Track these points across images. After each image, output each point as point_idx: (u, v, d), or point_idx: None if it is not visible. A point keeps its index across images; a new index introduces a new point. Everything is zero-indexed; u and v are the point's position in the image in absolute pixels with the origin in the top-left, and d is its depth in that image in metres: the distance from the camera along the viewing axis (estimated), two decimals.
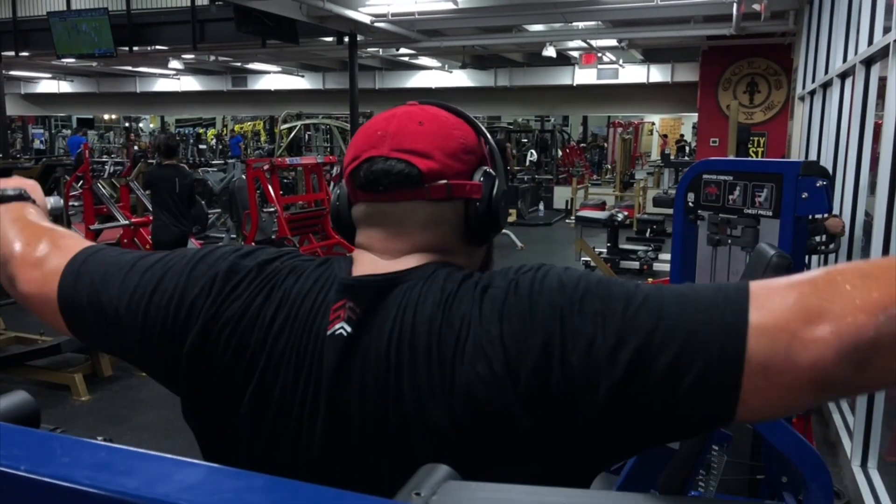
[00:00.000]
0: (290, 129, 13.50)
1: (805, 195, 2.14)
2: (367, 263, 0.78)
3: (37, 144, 20.74)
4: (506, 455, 0.66)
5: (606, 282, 0.69)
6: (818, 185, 2.13)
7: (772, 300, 0.60)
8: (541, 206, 13.05)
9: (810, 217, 2.55)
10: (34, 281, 0.86)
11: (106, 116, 22.87)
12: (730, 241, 2.37)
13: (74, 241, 0.90)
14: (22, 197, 0.96)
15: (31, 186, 1.01)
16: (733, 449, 1.99)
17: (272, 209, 6.59)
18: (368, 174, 0.76)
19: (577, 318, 0.65)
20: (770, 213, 2.21)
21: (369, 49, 11.30)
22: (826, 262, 4.53)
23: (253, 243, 6.70)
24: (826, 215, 3.34)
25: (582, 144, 18.33)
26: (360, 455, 0.71)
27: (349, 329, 0.72)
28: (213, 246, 0.83)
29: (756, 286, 0.61)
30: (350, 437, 0.71)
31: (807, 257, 3.61)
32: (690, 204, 2.48)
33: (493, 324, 0.67)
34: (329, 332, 0.73)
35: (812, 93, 5.80)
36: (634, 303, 0.65)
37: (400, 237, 0.78)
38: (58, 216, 1.06)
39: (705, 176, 2.43)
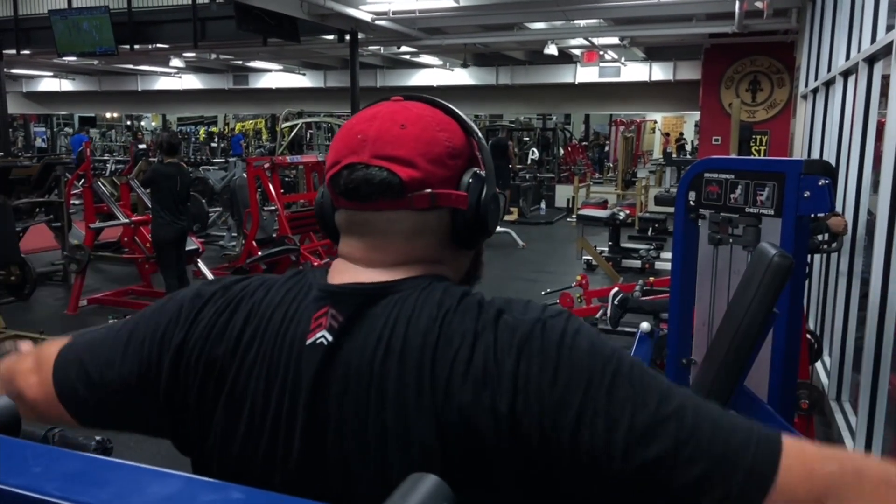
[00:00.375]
0: (291, 128, 13.48)
1: (807, 194, 2.11)
2: (347, 272, 0.75)
3: (39, 143, 20.75)
4: (484, 485, 0.65)
5: (640, 368, 0.66)
6: (820, 183, 2.11)
7: (799, 467, 0.60)
8: (542, 205, 13.03)
9: (812, 216, 2.53)
10: (34, 385, 0.83)
11: (108, 115, 22.86)
12: (731, 240, 2.35)
13: (58, 342, 0.87)
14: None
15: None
16: None
17: (273, 208, 6.57)
18: (348, 182, 0.73)
19: (603, 394, 0.63)
20: (772, 212, 2.19)
21: (370, 47, 11.27)
22: (828, 262, 4.52)
23: (254, 242, 6.69)
24: (828, 214, 3.32)
25: (584, 143, 18.29)
26: (338, 469, 0.69)
27: (330, 338, 0.70)
28: (181, 291, 0.84)
29: (789, 444, 0.62)
30: (328, 449, 0.69)
31: (809, 256, 3.59)
32: (692, 203, 2.46)
33: (509, 357, 0.64)
34: (309, 342, 0.70)
35: (815, 91, 5.77)
36: (668, 406, 0.62)
37: (383, 248, 0.75)
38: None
39: (706, 174, 2.40)
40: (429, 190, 0.73)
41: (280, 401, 0.70)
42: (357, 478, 0.68)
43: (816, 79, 5.73)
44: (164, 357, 0.75)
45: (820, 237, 3.56)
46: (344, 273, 0.75)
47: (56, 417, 0.83)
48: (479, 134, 0.81)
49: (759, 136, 9.97)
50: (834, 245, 3.65)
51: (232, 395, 0.71)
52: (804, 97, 6.71)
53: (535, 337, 0.65)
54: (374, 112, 0.76)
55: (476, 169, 0.77)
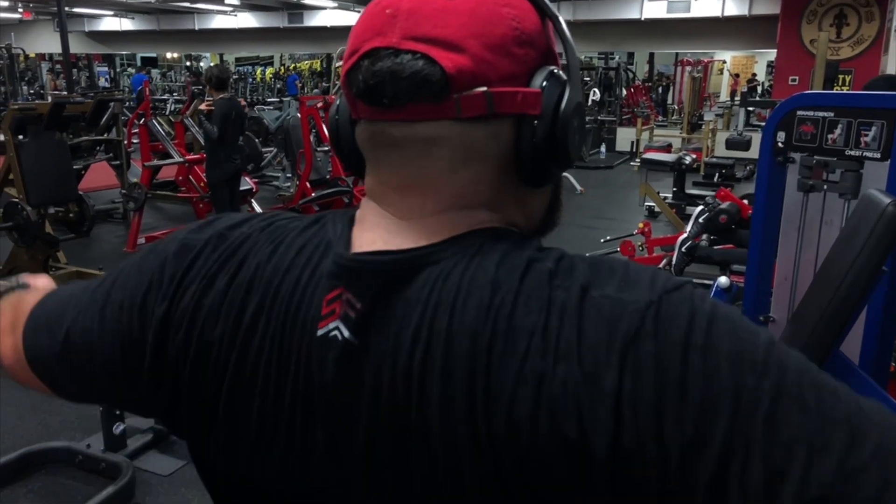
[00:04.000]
0: None
1: None
2: (375, 227, 0.54)
3: (102, 83, 21.13)
4: None
5: (813, 379, 0.44)
6: None
7: None
8: (602, 149, 12.57)
9: None
10: (9, 349, 0.69)
11: (168, 55, 23.08)
12: (825, 186, 2.09)
13: (34, 295, 0.71)
14: (21, 286, 0.78)
15: (45, 284, 0.83)
16: None
17: (326, 148, 6.47)
18: (369, 77, 0.50)
19: (759, 426, 0.41)
20: (878, 156, 1.92)
21: None
22: None
23: (307, 183, 6.63)
24: None
25: (647, 83, 17.52)
26: (371, 492, 0.52)
27: (346, 333, 0.50)
28: (167, 237, 0.65)
29: None
30: (354, 480, 0.52)
31: None
32: (780, 144, 2.20)
33: (607, 369, 0.43)
34: (320, 332, 0.51)
35: None
36: (862, 448, 0.40)
37: (418, 187, 0.53)
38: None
39: (800, 112, 2.13)
40: (484, 88, 0.50)
41: (294, 405, 0.53)
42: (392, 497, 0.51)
43: None
44: (146, 332, 0.58)
45: None
46: (370, 229, 0.54)
47: (35, 387, 0.69)
48: (561, 20, 0.56)
49: (842, 76, 9.28)
50: None
51: (234, 393, 0.55)
52: None
53: (647, 335, 0.43)
54: None
55: (553, 67, 0.54)
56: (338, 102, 0.59)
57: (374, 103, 0.51)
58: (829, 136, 2.05)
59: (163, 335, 0.57)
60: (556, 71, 0.54)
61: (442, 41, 0.49)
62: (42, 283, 0.80)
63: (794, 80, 9.82)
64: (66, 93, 10.70)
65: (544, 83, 0.52)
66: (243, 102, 6.68)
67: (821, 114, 2.08)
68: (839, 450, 0.40)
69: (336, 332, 0.51)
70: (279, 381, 0.53)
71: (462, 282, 0.48)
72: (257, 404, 0.54)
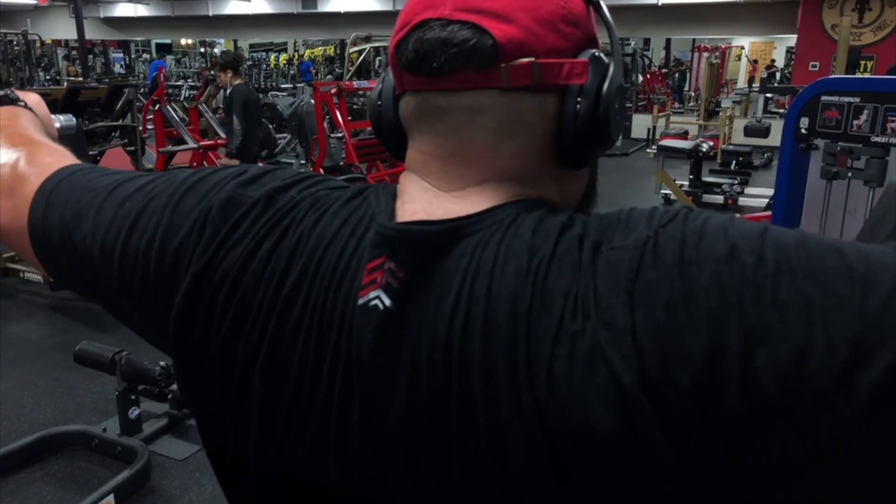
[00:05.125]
0: (358, 53, 13.23)
1: None
2: (417, 199, 0.54)
3: (117, 69, 21.22)
4: (618, 488, 0.45)
5: (807, 243, 0.43)
6: None
7: None
8: None
9: None
10: (6, 210, 0.67)
11: (182, 41, 23.11)
12: (850, 174, 2.05)
13: (54, 159, 0.69)
14: (10, 99, 0.78)
15: (35, 100, 0.83)
16: None
17: (340, 135, 6.45)
18: (419, 45, 0.51)
19: (769, 309, 0.41)
20: None
21: None
22: None
23: (321, 169, 6.61)
24: None
25: (664, 70, 17.32)
26: (408, 480, 0.50)
27: (388, 302, 0.50)
28: (209, 169, 0.62)
29: None
30: (394, 453, 0.50)
31: None
32: (803, 130, 2.15)
33: (619, 310, 0.43)
34: (361, 301, 0.51)
35: None
36: (878, 284, 0.40)
37: (461, 156, 0.53)
38: (68, 137, 0.88)
39: (824, 98, 2.09)
40: (531, 58, 0.51)
41: (331, 378, 0.52)
42: (436, 499, 0.50)
43: None
44: (180, 280, 0.56)
45: None
46: (411, 201, 0.54)
47: (26, 258, 0.68)
48: (604, 6, 0.57)
49: (863, 62, 9.11)
50: None
51: (272, 360, 0.53)
52: None
53: (647, 267, 0.44)
54: None
55: (596, 51, 0.54)
56: (380, 87, 0.60)
57: (421, 72, 0.52)
58: (855, 121, 2.01)
59: (197, 289, 0.55)
60: (598, 54, 0.54)
61: (492, 12, 0.51)
62: (33, 100, 0.81)
63: (814, 66, 9.67)
64: (81, 79, 10.74)
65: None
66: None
67: (846, 99, 2.03)
68: (855, 301, 0.40)
69: (377, 302, 0.50)
70: (318, 352, 0.52)
71: (499, 251, 0.48)
72: (294, 374, 0.53)
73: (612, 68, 0.54)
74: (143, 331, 0.64)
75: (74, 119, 0.93)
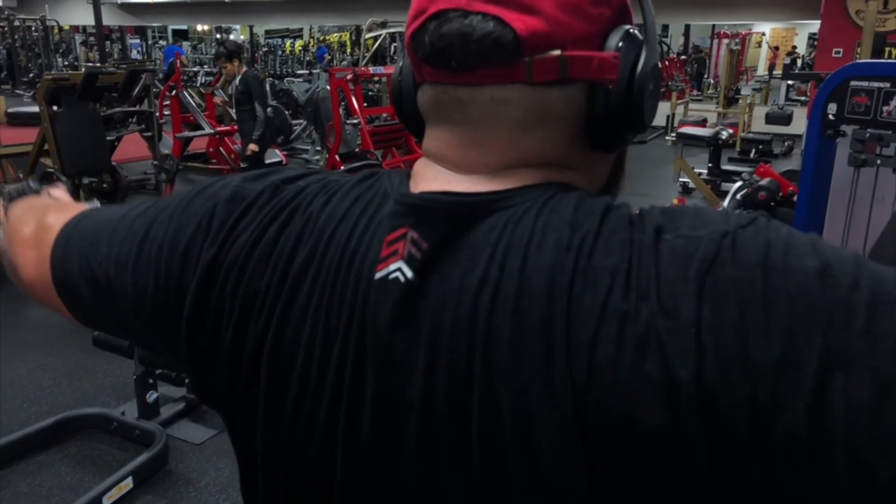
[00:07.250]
0: (374, 39, 13.17)
1: None
2: (434, 179, 0.51)
3: (134, 55, 21.29)
4: (642, 483, 0.42)
5: None
6: None
7: None
8: None
9: None
10: (31, 264, 0.68)
11: (199, 27, 23.13)
12: (878, 161, 2.00)
13: (73, 208, 0.70)
14: (32, 189, 0.79)
15: (61, 194, 0.83)
16: None
17: (356, 121, 6.43)
18: (436, 39, 0.48)
19: (860, 337, 0.38)
20: None
21: None
22: None
23: (336, 156, 6.60)
24: None
25: (682, 57, 17.10)
26: (425, 470, 0.48)
27: (409, 273, 0.47)
28: (215, 178, 0.63)
29: None
30: (408, 440, 0.47)
31: None
32: (831, 117, 2.10)
33: (686, 298, 0.40)
34: (379, 274, 0.48)
35: None
36: None
37: (484, 144, 0.50)
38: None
39: (853, 83, 2.04)
40: (557, 51, 0.47)
41: (342, 360, 0.49)
42: (452, 487, 0.47)
43: None
44: (188, 277, 0.55)
45: None
46: (430, 180, 0.51)
47: (50, 304, 0.68)
48: None
49: (888, 48, 8.94)
50: None
51: (278, 345, 0.51)
52: None
53: (724, 261, 0.41)
54: None
55: (629, 27, 0.51)
56: (401, 64, 0.57)
57: (441, 67, 0.49)
58: (885, 107, 1.96)
59: (207, 283, 0.54)
60: (631, 30, 0.51)
61: (514, 2, 0.47)
62: (59, 193, 0.81)
63: (837, 53, 9.49)
64: (99, 64, 10.78)
65: (620, 44, 0.49)
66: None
67: (876, 84, 1.98)
68: None
69: (397, 274, 0.47)
70: (327, 332, 0.50)
71: (536, 225, 0.46)
72: (301, 358, 0.50)
73: (644, 50, 0.51)
74: (160, 345, 0.62)
75: (98, 203, 0.94)
